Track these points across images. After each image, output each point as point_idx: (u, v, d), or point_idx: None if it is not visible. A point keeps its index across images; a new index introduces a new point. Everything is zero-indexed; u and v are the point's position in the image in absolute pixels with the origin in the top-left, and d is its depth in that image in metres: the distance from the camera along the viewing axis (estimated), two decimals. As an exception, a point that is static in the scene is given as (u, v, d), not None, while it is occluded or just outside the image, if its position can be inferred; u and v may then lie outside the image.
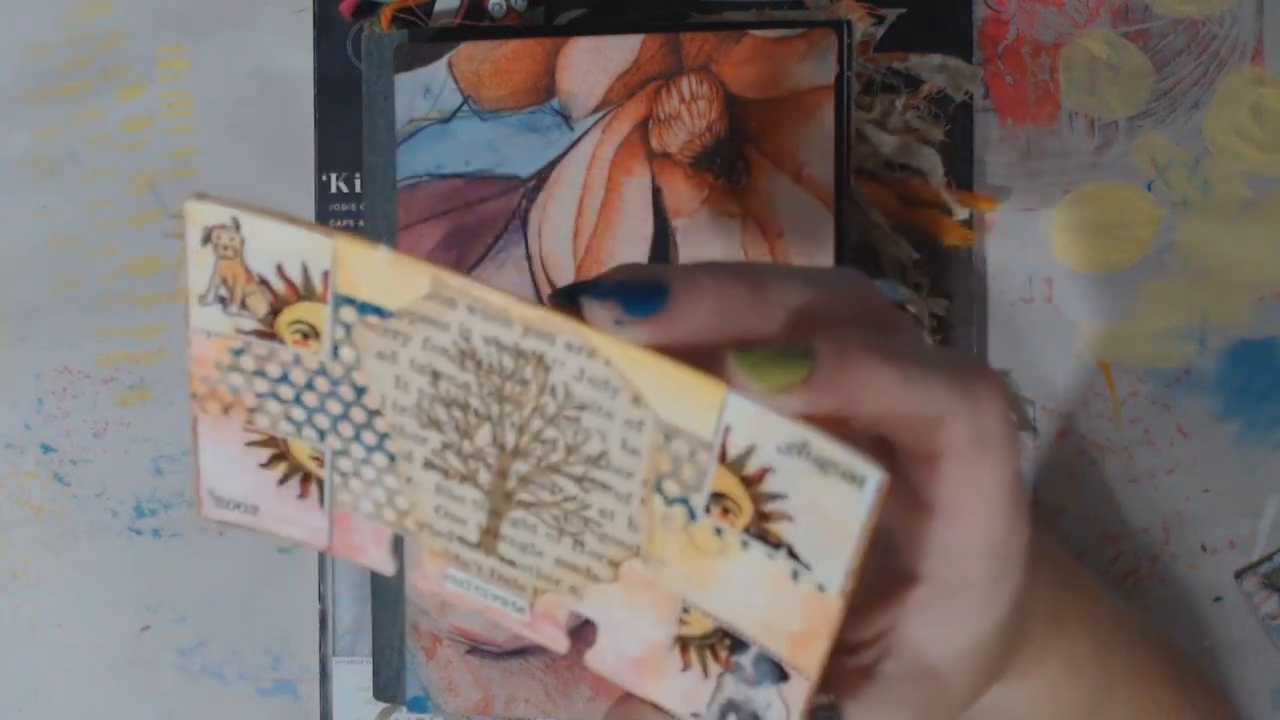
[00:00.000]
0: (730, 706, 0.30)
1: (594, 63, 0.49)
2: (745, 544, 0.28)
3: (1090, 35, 0.52)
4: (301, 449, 0.32)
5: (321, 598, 0.53)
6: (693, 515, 0.29)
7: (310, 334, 0.30)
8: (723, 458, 0.28)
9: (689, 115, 0.48)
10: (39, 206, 0.55)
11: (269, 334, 0.30)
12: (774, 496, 0.28)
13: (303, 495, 0.32)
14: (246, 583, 0.55)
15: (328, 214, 0.54)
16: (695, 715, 0.31)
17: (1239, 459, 0.51)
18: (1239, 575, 0.51)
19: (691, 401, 0.27)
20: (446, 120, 0.50)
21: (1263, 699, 0.51)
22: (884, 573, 0.31)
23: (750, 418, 0.27)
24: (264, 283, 0.29)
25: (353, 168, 0.53)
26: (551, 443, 0.29)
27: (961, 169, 0.51)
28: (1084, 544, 0.51)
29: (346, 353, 0.30)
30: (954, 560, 0.31)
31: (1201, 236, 0.51)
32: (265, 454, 0.32)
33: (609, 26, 0.50)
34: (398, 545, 0.33)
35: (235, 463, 0.32)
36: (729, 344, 0.28)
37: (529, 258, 0.49)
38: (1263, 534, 0.51)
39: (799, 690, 0.29)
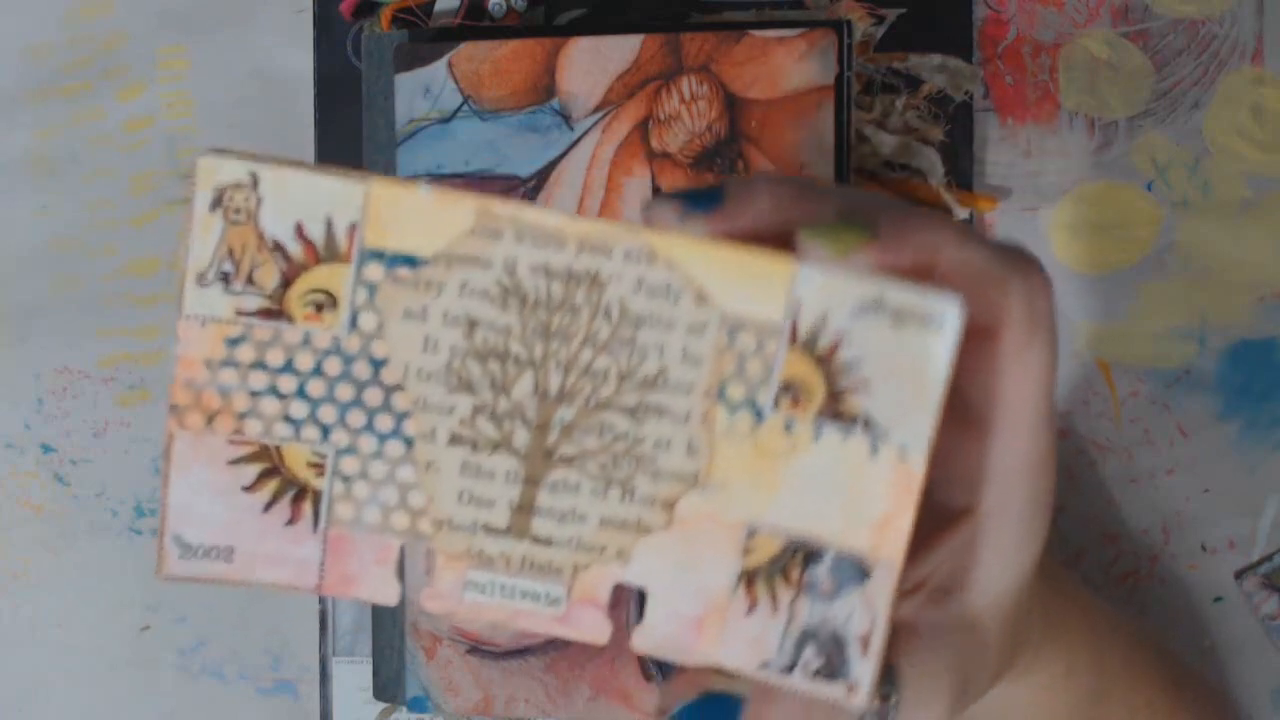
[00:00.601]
0: (806, 636, 0.29)
1: (594, 63, 0.49)
2: (818, 432, 0.28)
3: (1090, 35, 0.52)
4: (298, 456, 0.29)
5: (321, 598, 0.53)
6: (759, 416, 0.28)
7: (326, 304, 0.29)
8: (793, 338, 0.28)
9: (689, 115, 0.49)
10: (39, 206, 0.55)
11: (276, 312, 0.29)
12: (848, 368, 0.28)
13: (292, 520, 0.30)
14: (246, 583, 0.55)
15: (328, 214, 0.54)
16: (765, 665, 0.29)
17: (1239, 459, 0.51)
18: (1239, 575, 0.51)
19: (760, 285, 0.28)
20: (446, 120, 0.50)
21: (1263, 699, 0.51)
22: (924, 514, 0.32)
23: (822, 287, 0.27)
24: (278, 249, 0.28)
25: (353, 168, 0.53)
26: (602, 374, 0.29)
27: (961, 169, 0.51)
28: (1084, 544, 0.51)
29: (367, 319, 0.29)
30: (996, 482, 0.31)
31: (1201, 236, 0.51)
32: (252, 472, 0.30)
33: (609, 26, 0.50)
34: (402, 567, 0.31)
35: (212, 491, 0.30)
36: (790, 230, 0.28)
37: (529, 258, 0.49)
38: (1263, 534, 0.51)
39: (884, 584, 0.29)
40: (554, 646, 0.50)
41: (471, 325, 0.28)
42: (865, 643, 0.29)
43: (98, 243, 0.55)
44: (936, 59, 0.51)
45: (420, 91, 0.50)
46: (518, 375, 0.29)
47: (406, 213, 0.28)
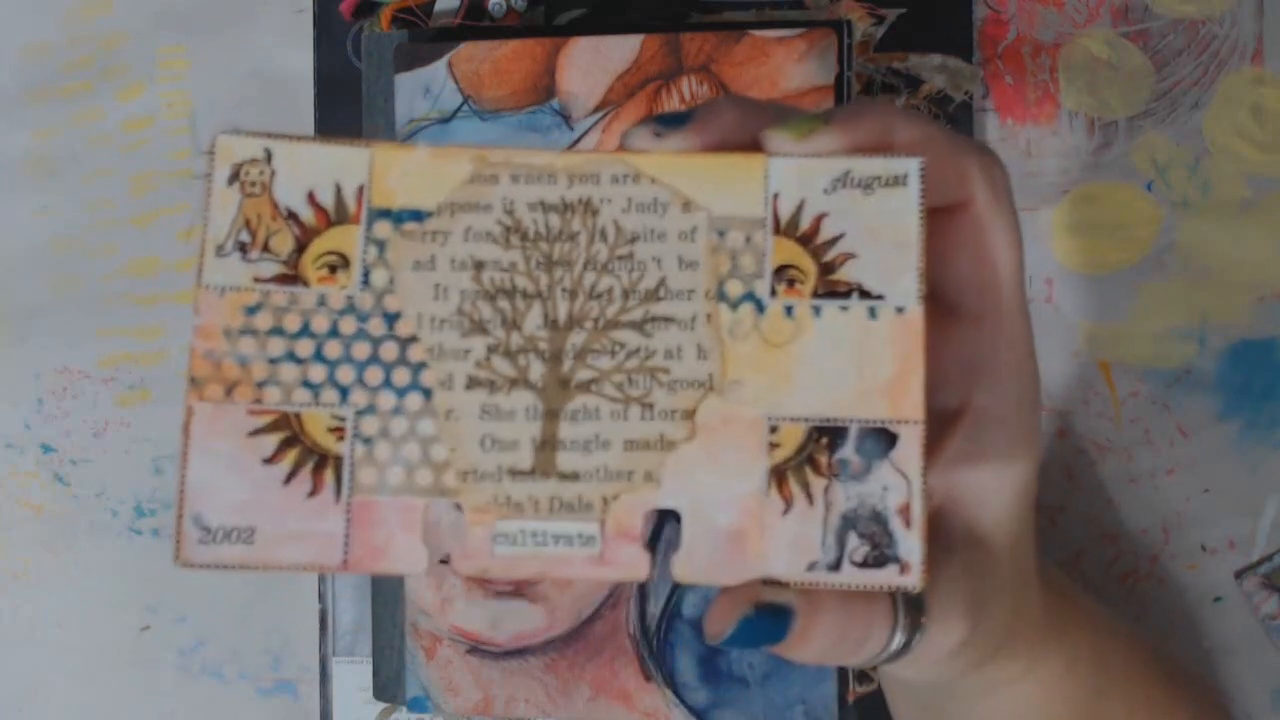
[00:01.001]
0: (847, 524, 0.29)
1: (594, 63, 0.49)
2: (817, 310, 0.30)
3: (1090, 35, 0.52)
4: (318, 422, 0.30)
5: (321, 597, 0.53)
6: (760, 307, 0.30)
7: (339, 264, 0.30)
8: (777, 227, 0.30)
9: (689, 115, 0.49)
10: (39, 206, 0.55)
11: (292, 277, 0.30)
12: (832, 242, 0.30)
13: (314, 491, 0.30)
14: (246, 582, 0.55)
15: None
16: (813, 565, 0.29)
17: (1239, 459, 0.51)
18: (1239, 575, 0.51)
19: (737, 182, 0.30)
20: (446, 120, 0.50)
21: (1263, 699, 0.51)
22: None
23: (792, 173, 0.30)
24: (292, 216, 0.30)
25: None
26: (607, 294, 0.30)
27: (961, 169, 0.51)
28: (1083, 544, 0.51)
29: (378, 275, 0.30)
30: (984, 372, 0.32)
31: (1201, 236, 0.51)
32: (272, 442, 0.30)
33: (609, 26, 0.50)
34: (427, 533, 0.31)
35: (232, 465, 0.29)
36: (756, 140, 0.31)
37: (529, 258, 0.49)
38: (1263, 534, 0.51)
39: (912, 447, 0.29)
40: (554, 646, 0.50)
41: (478, 267, 0.30)
42: (906, 514, 0.29)
43: (98, 243, 0.55)
44: (936, 59, 0.51)
45: (420, 91, 0.50)
46: (527, 309, 0.30)
47: (408, 171, 0.30)
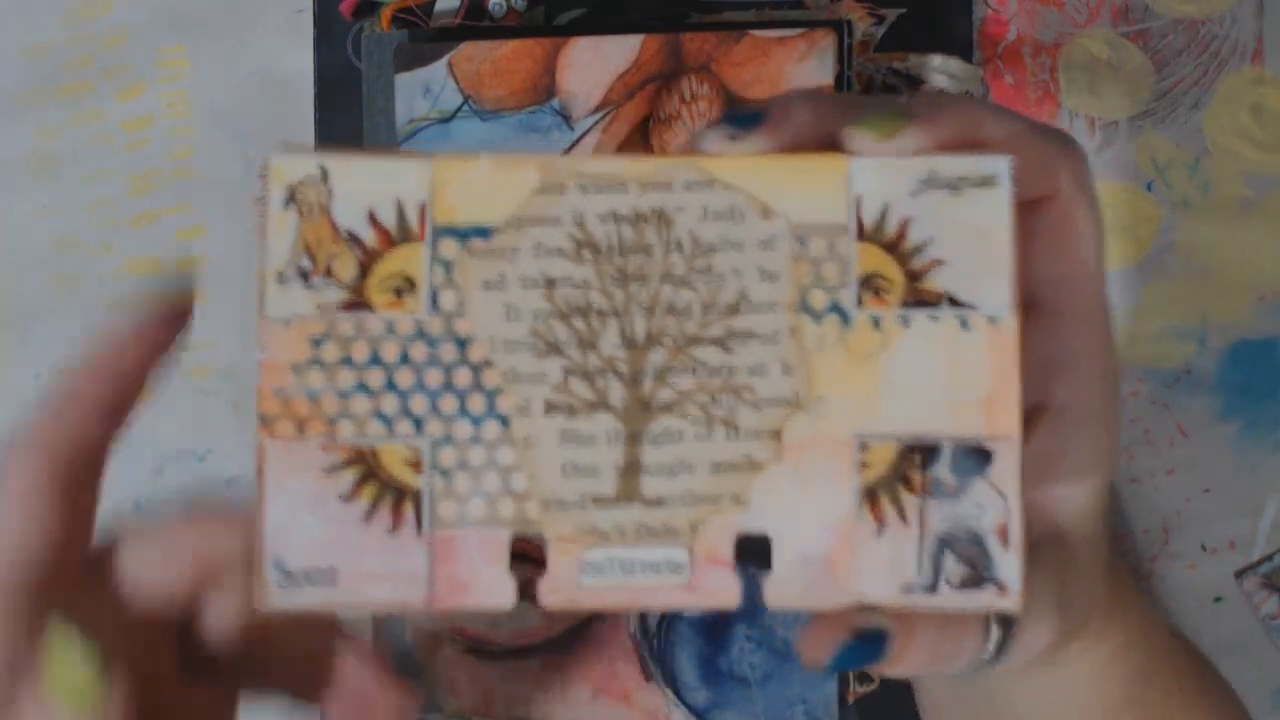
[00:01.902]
0: (944, 544, 0.28)
1: (594, 63, 0.49)
2: (906, 320, 0.28)
3: (1090, 35, 0.52)
4: (394, 455, 0.29)
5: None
6: (846, 319, 0.29)
7: (405, 288, 0.29)
8: (860, 232, 0.28)
9: (689, 115, 0.49)
10: (39, 206, 0.55)
11: (357, 303, 0.29)
12: (919, 248, 0.28)
13: (395, 528, 0.28)
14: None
15: (328, 214, 0.54)
16: (908, 589, 0.28)
17: (1239, 459, 0.51)
18: (1239, 575, 0.51)
19: (818, 186, 0.28)
20: (446, 120, 0.50)
21: (1263, 699, 0.51)
22: None
23: (876, 175, 0.28)
24: (353, 238, 0.28)
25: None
26: (685, 310, 0.29)
27: (961, 169, 0.51)
28: (1084, 544, 0.51)
29: (447, 298, 0.29)
30: (1067, 369, 0.32)
31: (1201, 236, 0.51)
32: (349, 479, 0.28)
33: (609, 26, 0.50)
34: (512, 566, 0.29)
35: (309, 506, 0.28)
36: (835, 138, 0.29)
37: (529, 258, 0.49)
38: (1263, 534, 0.51)
39: (1008, 464, 0.28)
40: (554, 646, 0.50)
41: (550, 284, 0.29)
42: (1004, 534, 0.28)
43: (98, 243, 0.55)
44: (936, 59, 0.51)
45: (420, 91, 0.50)
46: (603, 327, 0.29)
47: (471, 185, 0.29)
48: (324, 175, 0.28)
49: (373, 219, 0.29)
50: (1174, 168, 0.51)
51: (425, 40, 0.50)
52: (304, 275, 0.29)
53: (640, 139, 0.49)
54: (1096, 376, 0.32)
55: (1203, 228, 0.51)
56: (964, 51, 0.51)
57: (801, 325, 0.29)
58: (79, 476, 0.30)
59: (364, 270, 0.29)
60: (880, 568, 0.28)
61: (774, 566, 0.29)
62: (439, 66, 0.50)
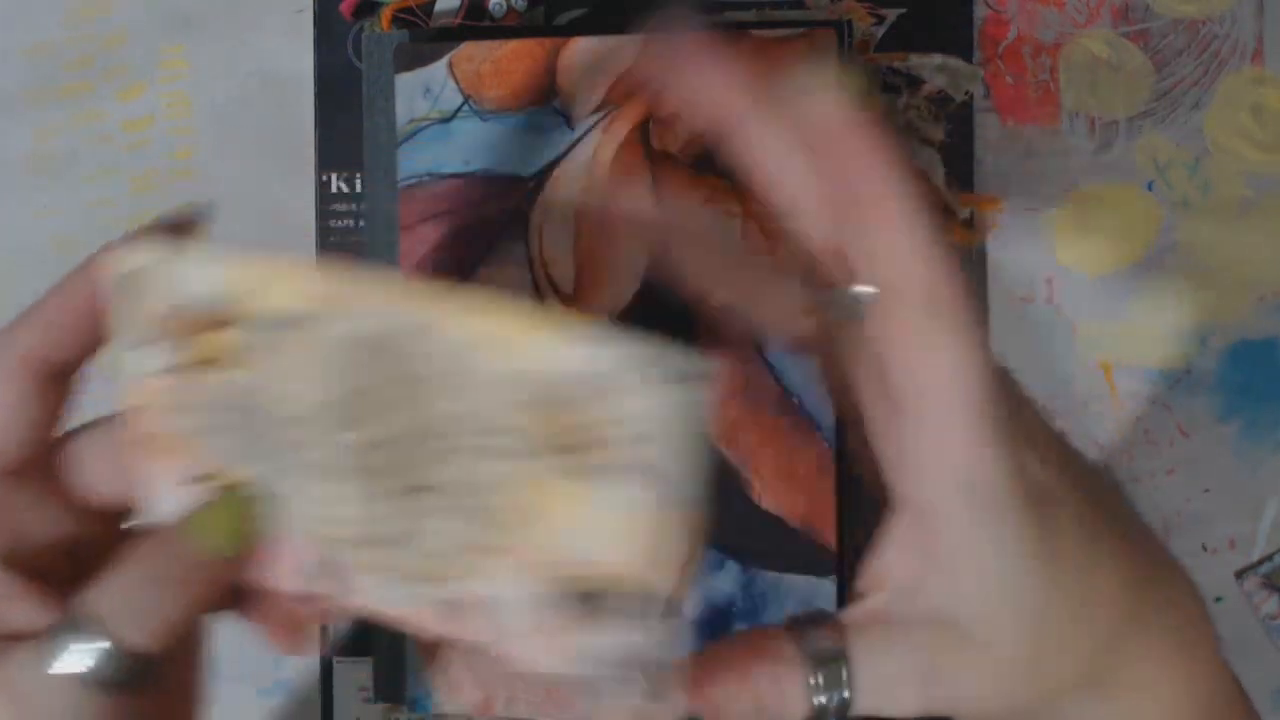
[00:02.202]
0: (603, 661, 0.33)
1: (594, 63, 0.49)
2: (597, 480, 0.30)
3: (1090, 35, 0.52)
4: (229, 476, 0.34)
5: (321, 598, 0.53)
6: (544, 465, 0.31)
7: (225, 359, 0.33)
8: (555, 395, 0.30)
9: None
10: (39, 206, 0.55)
11: (189, 366, 0.33)
12: (613, 421, 0.30)
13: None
14: (246, 583, 0.55)
15: (328, 214, 0.54)
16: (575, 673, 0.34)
17: (1239, 459, 0.51)
18: (1239, 575, 0.51)
19: (523, 347, 0.30)
20: (446, 120, 0.50)
21: (1263, 699, 0.51)
22: (874, 506, 0.32)
23: (581, 355, 0.30)
24: (181, 318, 0.33)
25: (353, 168, 0.53)
26: (417, 436, 0.31)
27: (961, 169, 0.51)
28: (1084, 544, 0.51)
29: (254, 373, 0.32)
30: (915, 473, 0.31)
31: (1201, 236, 0.51)
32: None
33: (609, 26, 0.50)
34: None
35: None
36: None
37: (529, 258, 0.49)
38: (1263, 534, 0.51)
39: (659, 614, 0.31)
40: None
41: (340, 371, 0.32)
42: (657, 669, 0.32)
43: (98, 243, 0.55)
44: (936, 59, 0.51)
45: (420, 91, 0.50)
46: (386, 412, 0.32)
47: (276, 283, 0.32)
48: (155, 266, 0.33)
49: (195, 306, 0.33)
50: (1174, 168, 0.51)
51: (425, 40, 0.50)
52: (139, 346, 0.34)
53: (640, 139, 0.49)
54: (961, 467, 0.31)
55: (1203, 228, 0.51)
56: (964, 51, 0.51)
57: (526, 463, 0.31)
58: (53, 377, 0.35)
59: (190, 343, 0.33)
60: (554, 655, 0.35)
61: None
62: (439, 66, 0.50)
